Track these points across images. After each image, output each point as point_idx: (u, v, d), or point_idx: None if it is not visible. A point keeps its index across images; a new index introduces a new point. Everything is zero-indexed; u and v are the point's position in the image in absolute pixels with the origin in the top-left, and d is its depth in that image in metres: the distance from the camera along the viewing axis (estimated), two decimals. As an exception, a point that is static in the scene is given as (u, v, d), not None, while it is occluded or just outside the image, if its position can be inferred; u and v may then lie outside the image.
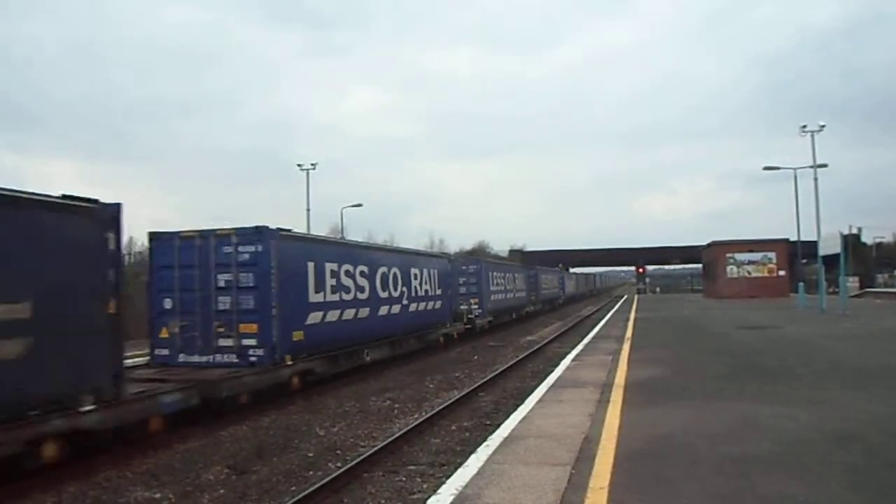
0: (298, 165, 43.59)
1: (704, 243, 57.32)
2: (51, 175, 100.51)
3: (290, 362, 12.97)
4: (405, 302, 19.54)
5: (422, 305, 21.08)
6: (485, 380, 14.95)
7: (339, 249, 16.41)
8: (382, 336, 17.64)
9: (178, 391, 10.30)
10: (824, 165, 32.21)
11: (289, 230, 13.77)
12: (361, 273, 16.52)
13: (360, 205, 47.55)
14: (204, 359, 12.39)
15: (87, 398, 8.39)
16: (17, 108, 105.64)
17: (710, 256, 54.42)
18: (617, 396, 9.29)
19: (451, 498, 5.16)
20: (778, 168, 35.95)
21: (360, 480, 7.80)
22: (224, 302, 12.48)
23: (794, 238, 40.96)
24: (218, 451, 9.46)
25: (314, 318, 14.11)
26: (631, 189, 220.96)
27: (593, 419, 7.88)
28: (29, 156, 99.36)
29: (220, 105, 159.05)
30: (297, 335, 13.36)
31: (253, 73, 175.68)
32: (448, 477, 6.09)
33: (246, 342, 12.41)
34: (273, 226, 12.94)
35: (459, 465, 6.53)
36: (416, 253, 23.79)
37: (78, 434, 8.27)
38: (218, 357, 12.40)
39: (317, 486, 7.33)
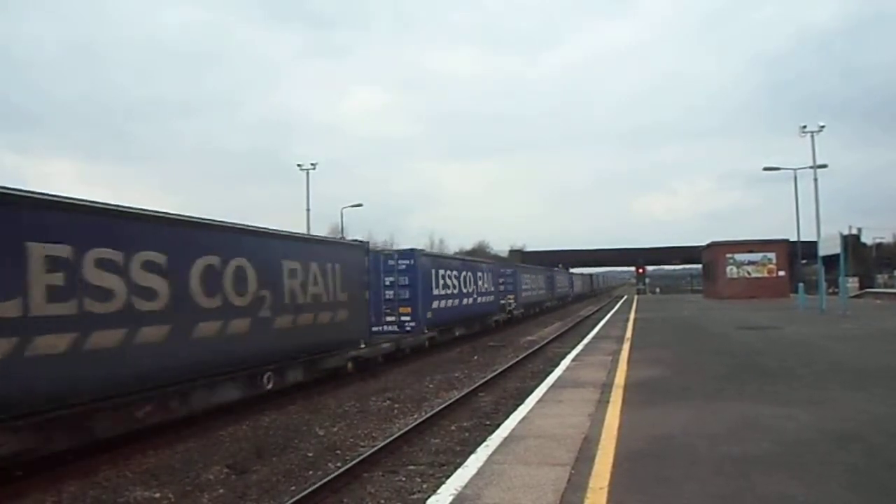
0: (298, 165, 43.78)
1: (704, 244, 57.32)
2: (50, 175, 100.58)
3: (426, 331, 20.77)
4: (475, 297, 27.37)
5: (482, 299, 28.53)
6: (484, 380, 14.94)
7: (444, 261, 25.57)
8: (463, 319, 25.59)
9: (388, 343, 18.00)
10: (824, 166, 32.23)
11: (422, 250, 23.38)
12: (454, 276, 24.44)
13: (360, 205, 47.71)
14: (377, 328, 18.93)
15: (362, 342, 16.15)
16: (18, 108, 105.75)
17: (710, 257, 54.40)
18: (617, 397, 9.29)
19: (451, 498, 5.16)
20: (778, 168, 35.96)
21: (359, 480, 7.80)
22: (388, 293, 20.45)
23: (794, 238, 40.96)
24: (217, 451, 9.45)
25: (436, 304, 22.00)
26: (631, 189, 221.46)
27: (593, 419, 7.88)
28: (29, 156, 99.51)
29: (220, 105, 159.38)
30: (430, 315, 21.23)
31: (253, 74, 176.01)
32: (448, 477, 6.08)
33: (403, 318, 20.44)
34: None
35: (459, 465, 6.53)
36: (478, 261, 32.77)
37: (359, 359, 15.89)
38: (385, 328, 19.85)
39: (316, 485, 7.32)
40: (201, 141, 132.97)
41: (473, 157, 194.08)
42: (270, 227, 13.09)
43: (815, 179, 31.62)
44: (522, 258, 74.00)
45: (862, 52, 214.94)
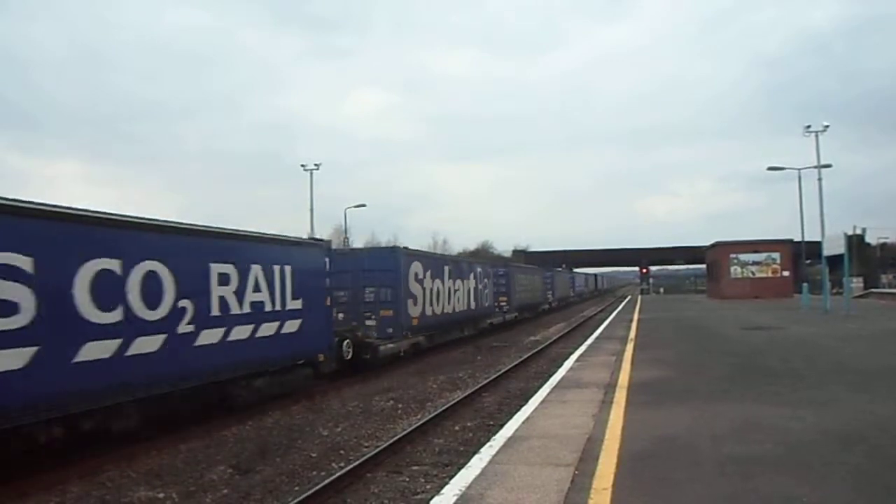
0: (302, 166, 43.78)
1: (708, 244, 57.24)
2: (56, 177, 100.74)
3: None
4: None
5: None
6: (488, 380, 14.94)
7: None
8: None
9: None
10: (828, 166, 32.25)
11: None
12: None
13: (363, 205, 47.73)
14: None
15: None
16: (23, 109, 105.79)
17: (714, 257, 54.29)
18: (620, 397, 9.29)
19: (455, 498, 5.16)
20: (782, 168, 35.89)
21: (363, 481, 7.81)
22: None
23: (798, 238, 40.88)
24: (221, 451, 9.47)
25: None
26: (633, 190, 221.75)
27: (597, 420, 7.88)
28: (36, 157, 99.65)
29: (223, 107, 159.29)
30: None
31: (255, 76, 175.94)
32: (451, 477, 6.08)
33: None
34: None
35: (463, 465, 6.52)
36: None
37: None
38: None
39: (320, 486, 7.33)
40: (205, 143, 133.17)
41: (475, 158, 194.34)
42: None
43: (820, 179, 31.61)
44: (526, 258, 73.98)
45: (862, 55, 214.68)
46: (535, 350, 21.22)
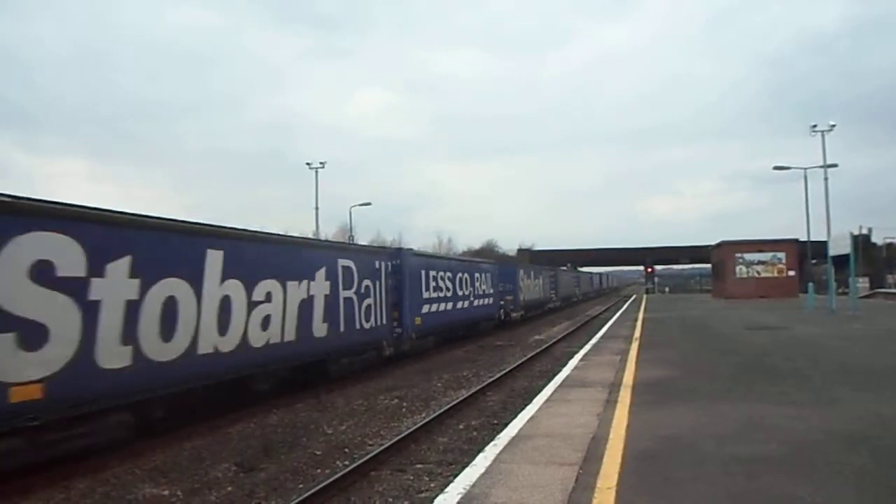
0: (307, 164, 43.80)
1: (713, 243, 57.09)
2: (61, 175, 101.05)
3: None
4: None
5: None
6: (492, 379, 14.96)
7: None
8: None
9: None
10: (835, 165, 32.24)
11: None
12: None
13: (368, 203, 47.85)
14: None
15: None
16: (25, 108, 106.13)
17: (719, 256, 54.14)
18: (625, 396, 9.28)
19: (459, 497, 5.17)
20: (788, 168, 35.88)
21: (367, 479, 7.82)
22: None
23: (803, 238, 40.79)
24: (226, 449, 9.50)
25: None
26: (636, 190, 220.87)
27: (601, 419, 7.88)
28: (39, 155, 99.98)
29: (226, 106, 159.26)
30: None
31: (258, 75, 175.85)
32: (455, 476, 6.09)
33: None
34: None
35: (467, 464, 6.53)
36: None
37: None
38: None
39: (324, 483, 7.35)
40: (209, 142, 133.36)
41: (479, 157, 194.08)
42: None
43: (826, 179, 31.65)
44: (531, 258, 73.95)
45: (864, 54, 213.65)
46: (540, 349, 21.22)
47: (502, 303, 31.40)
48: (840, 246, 28.42)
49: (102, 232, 8.72)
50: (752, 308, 33.59)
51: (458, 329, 25.05)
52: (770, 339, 17.19)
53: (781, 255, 49.00)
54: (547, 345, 22.67)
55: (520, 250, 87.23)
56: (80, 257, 8.26)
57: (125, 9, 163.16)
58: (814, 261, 45.45)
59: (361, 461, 8.25)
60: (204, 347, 10.28)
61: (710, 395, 9.26)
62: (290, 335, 12.72)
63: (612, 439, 6.78)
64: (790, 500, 4.81)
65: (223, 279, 10.87)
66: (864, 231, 68.37)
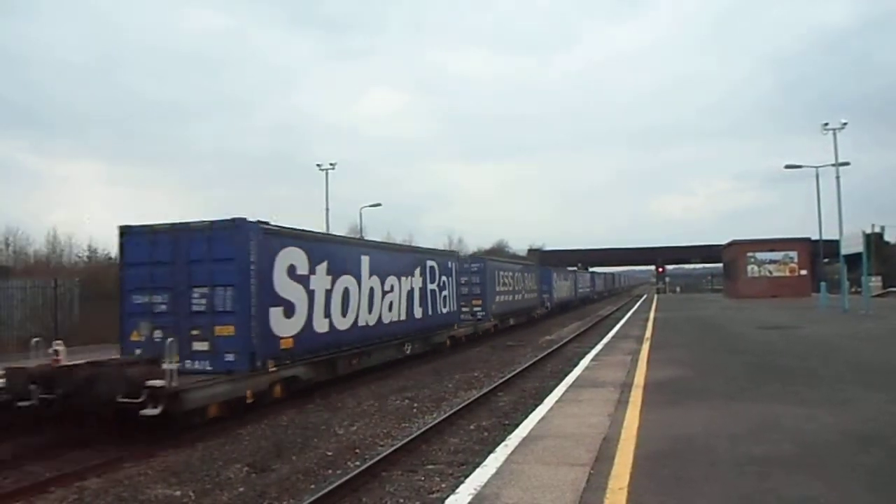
0: (318, 165, 43.79)
1: (724, 242, 56.82)
2: (71, 177, 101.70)
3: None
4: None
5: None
6: (503, 379, 14.95)
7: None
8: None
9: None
10: (847, 163, 31.91)
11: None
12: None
13: (378, 204, 47.62)
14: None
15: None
16: (35, 111, 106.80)
17: (731, 256, 53.92)
18: (636, 397, 9.24)
19: (470, 497, 5.16)
20: (800, 166, 35.59)
21: (378, 479, 7.83)
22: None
23: (815, 237, 40.49)
24: (237, 450, 9.54)
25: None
26: (647, 189, 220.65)
27: (612, 419, 7.85)
28: (51, 157, 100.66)
29: (238, 108, 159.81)
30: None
31: (271, 77, 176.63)
32: (466, 476, 6.08)
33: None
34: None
35: (478, 464, 6.51)
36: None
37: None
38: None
39: (336, 484, 7.36)
40: (221, 143, 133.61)
41: (489, 157, 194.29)
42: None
43: (838, 178, 31.30)
44: (541, 257, 73.74)
45: (873, 53, 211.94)
46: (551, 349, 21.20)
47: (544, 296, 39.64)
48: (852, 245, 28.22)
49: (314, 246, 13.62)
50: (764, 307, 33.41)
51: (520, 314, 33.08)
52: (782, 339, 17.10)
53: (793, 254, 48.74)
54: (558, 345, 22.65)
55: (530, 250, 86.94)
56: (306, 262, 13.13)
57: (141, 13, 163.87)
58: (826, 260, 45.12)
59: (372, 462, 8.26)
60: (361, 322, 15.35)
61: (722, 395, 9.21)
62: (402, 315, 17.79)
63: (623, 440, 6.76)
64: (803, 500, 4.78)
65: (370, 275, 15.93)
66: (877, 229, 67.77)
